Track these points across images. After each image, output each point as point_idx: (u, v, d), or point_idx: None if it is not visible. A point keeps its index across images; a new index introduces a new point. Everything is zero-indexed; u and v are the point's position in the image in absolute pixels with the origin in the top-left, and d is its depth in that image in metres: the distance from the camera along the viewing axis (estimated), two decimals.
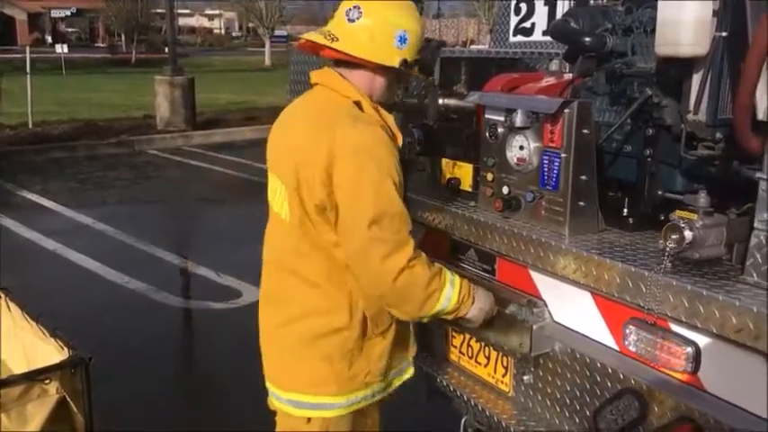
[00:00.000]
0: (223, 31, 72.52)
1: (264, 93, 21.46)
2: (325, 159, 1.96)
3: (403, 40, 2.09)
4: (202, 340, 5.36)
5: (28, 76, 13.50)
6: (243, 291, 5.98)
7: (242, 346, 4.86)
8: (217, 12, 72.33)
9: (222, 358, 4.73)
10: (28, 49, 14.31)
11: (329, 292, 2.07)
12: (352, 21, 2.07)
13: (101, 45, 48.94)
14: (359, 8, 2.07)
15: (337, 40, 2.06)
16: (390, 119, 2.17)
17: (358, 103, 2.09)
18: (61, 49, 22.77)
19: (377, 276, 1.96)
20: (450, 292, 2.06)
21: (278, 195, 2.14)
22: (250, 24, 53.97)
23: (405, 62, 2.09)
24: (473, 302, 2.14)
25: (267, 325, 2.27)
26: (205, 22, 73.19)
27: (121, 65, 32.70)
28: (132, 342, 4.97)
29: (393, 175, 1.98)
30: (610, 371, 2.10)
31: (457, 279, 2.12)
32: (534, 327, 2.27)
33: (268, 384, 2.26)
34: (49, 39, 46.61)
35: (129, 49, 37.82)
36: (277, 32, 40.91)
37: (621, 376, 2.06)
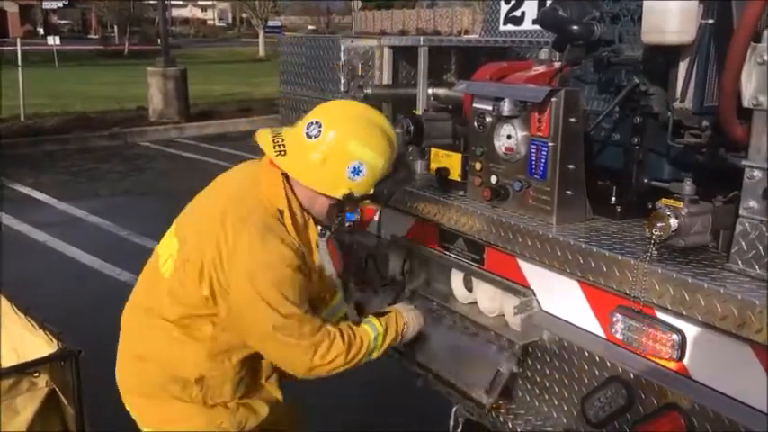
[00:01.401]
0: (216, 22, 72.21)
1: (258, 84, 21.40)
2: (222, 255, 1.96)
3: (357, 172, 2.00)
4: None
5: (20, 68, 13.42)
6: None
7: None
8: (210, 2, 72.00)
9: None
10: (19, 41, 14.20)
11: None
12: (310, 137, 1.98)
13: (93, 37, 48.67)
14: (320, 125, 1.98)
15: (284, 153, 1.98)
16: (314, 234, 2.10)
17: (281, 212, 2.01)
18: (53, 41, 22.59)
19: (299, 371, 2.10)
20: (373, 347, 2.20)
21: (167, 253, 2.13)
22: (243, 15, 53.76)
23: (350, 195, 2.01)
24: (403, 336, 2.32)
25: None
26: (198, 13, 72.87)
27: (114, 57, 32.52)
28: None
29: (288, 294, 1.96)
30: (597, 359, 2.11)
31: (380, 331, 2.23)
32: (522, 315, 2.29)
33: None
34: (41, 31, 46.30)
35: (121, 40, 37.57)
36: (271, 23, 40.70)
37: (609, 364, 2.07)
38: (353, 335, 2.14)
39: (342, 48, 3.08)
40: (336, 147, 1.98)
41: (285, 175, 2.04)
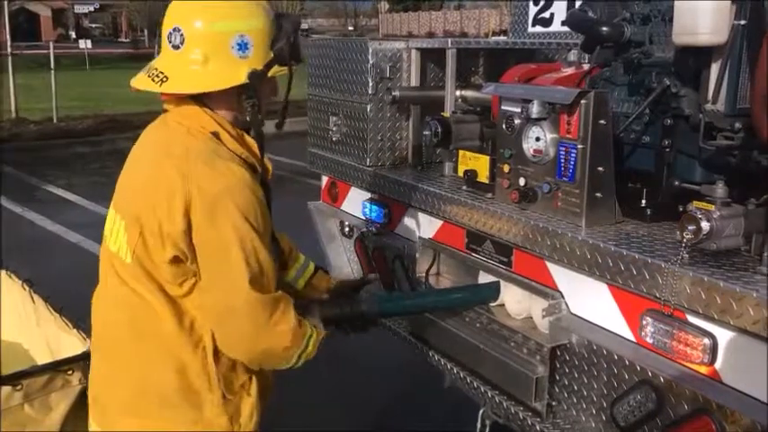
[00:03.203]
0: None
1: (284, 86, 21.52)
2: (182, 207, 1.70)
3: (243, 46, 1.77)
4: None
5: (53, 71, 13.66)
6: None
7: None
8: None
9: None
10: (52, 44, 14.47)
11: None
12: (177, 48, 1.77)
13: (124, 40, 49.36)
14: (179, 30, 1.76)
15: (166, 79, 1.76)
16: (255, 146, 1.87)
17: (216, 134, 1.80)
18: (85, 44, 22.99)
19: (257, 338, 1.76)
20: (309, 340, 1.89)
21: (119, 237, 1.84)
22: None
23: (255, 71, 1.77)
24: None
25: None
26: None
27: (144, 59, 32.36)
28: None
29: (258, 223, 1.75)
30: (627, 362, 2.09)
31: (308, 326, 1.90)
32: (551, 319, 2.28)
33: None
34: (73, 34, 47.08)
35: (151, 43, 38.01)
36: None
37: (638, 368, 2.05)
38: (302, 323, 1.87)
39: (370, 50, 3.09)
40: (207, 37, 1.76)
41: (194, 101, 1.82)
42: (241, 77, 1.77)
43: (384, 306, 2.33)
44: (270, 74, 1.83)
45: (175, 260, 1.74)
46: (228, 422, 1.83)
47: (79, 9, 50.74)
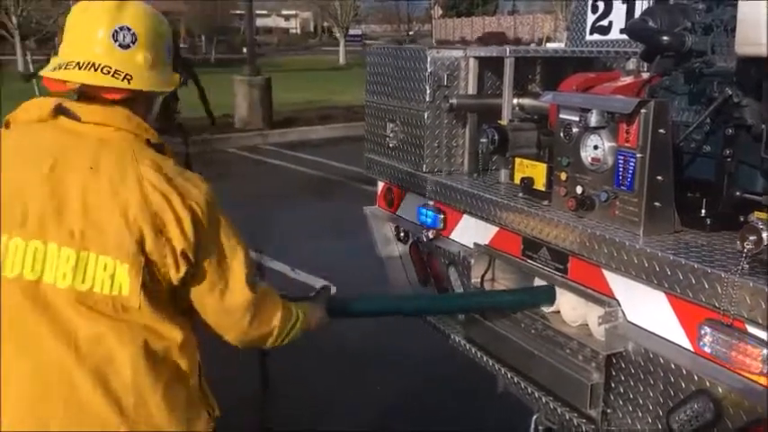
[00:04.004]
0: (299, 31, 73.71)
1: (339, 92, 21.72)
2: (187, 223, 1.66)
3: (169, 51, 1.82)
4: None
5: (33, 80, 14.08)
6: (316, 286, 6.10)
7: (318, 335, 5.04)
8: (293, 12, 73.53)
9: (293, 350, 4.85)
10: None
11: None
12: (126, 47, 1.71)
13: (182, 46, 50.44)
14: (130, 30, 1.71)
15: (131, 77, 1.69)
16: (170, 153, 1.81)
17: (160, 146, 1.76)
18: None
19: (243, 334, 1.87)
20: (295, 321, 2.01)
21: (91, 272, 1.63)
22: (325, 24, 54.70)
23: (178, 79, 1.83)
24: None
25: None
26: (281, 23, 74.52)
27: (201, 65, 33.48)
28: (204, 333, 5.17)
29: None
30: (684, 372, 2.09)
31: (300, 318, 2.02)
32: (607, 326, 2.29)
33: None
34: None
35: (208, 49, 38.89)
36: (352, 32, 41.31)
37: (696, 378, 2.05)
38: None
39: (428, 58, 3.14)
40: (155, 40, 1.76)
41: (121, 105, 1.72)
42: (176, 81, 1.82)
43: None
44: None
45: (185, 276, 1.70)
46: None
47: None
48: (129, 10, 1.74)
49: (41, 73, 1.73)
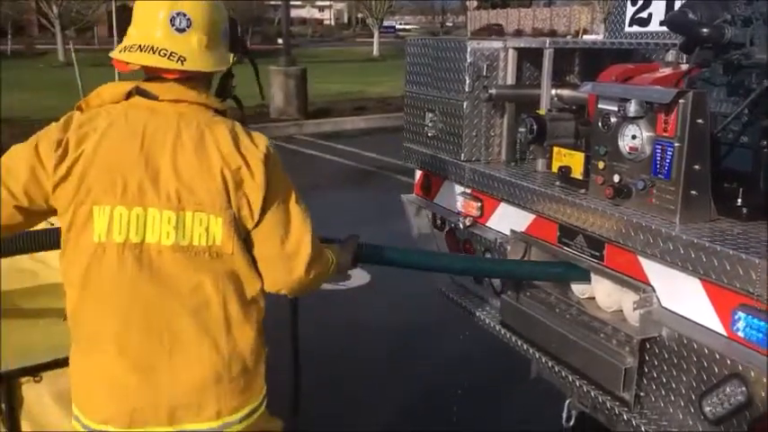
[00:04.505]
0: (333, 22, 73.88)
1: (373, 83, 21.84)
2: (259, 178, 1.86)
3: (226, 35, 1.99)
4: (310, 318, 5.63)
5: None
6: (351, 273, 6.19)
7: (351, 324, 5.13)
8: (327, 3, 73.75)
9: (329, 336, 4.90)
10: None
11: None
12: (182, 31, 1.87)
13: None
14: (185, 16, 1.87)
15: (185, 59, 1.85)
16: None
17: (223, 112, 1.96)
18: None
19: (298, 282, 2.00)
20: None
21: (189, 228, 1.83)
22: (359, 15, 54.76)
23: (234, 56, 2.01)
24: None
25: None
26: (316, 14, 74.79)
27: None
28: None
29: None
30: (717, 356, 2.14)
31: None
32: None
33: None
34: None
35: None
36: (386, 23, 41.31)
37: (729, 362, 2.10)
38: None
39: (468, 49, 3.20)
40: (210, 24, 1.92)
41: (187, 83, 1.91)
42: (230, 60, 2.00)
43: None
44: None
45: (253, 224, 1.89)
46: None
47: None
48: (186, 2, 1.89)
49: (111, 54, 1.90)
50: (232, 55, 2.00)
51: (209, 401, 1.89)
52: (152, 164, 1.82)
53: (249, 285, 1.92)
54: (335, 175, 10.47)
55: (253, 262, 1.93)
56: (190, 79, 1.90)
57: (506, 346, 3.08)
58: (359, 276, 6.09)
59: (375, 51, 37.28)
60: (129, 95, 1.88)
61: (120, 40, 1.93)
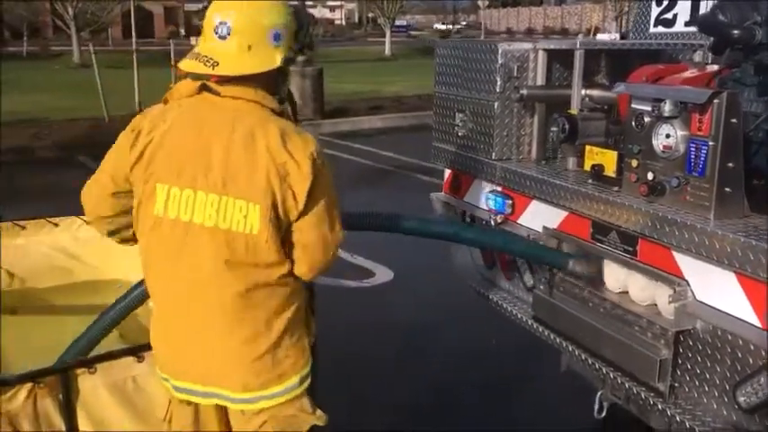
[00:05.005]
0: (344, 22, 73.99)
1: (386, 83, 21.91)
2: (306, 173, 2.04)
3: (278, 37, 2.11)
4: (336, 314, 5.70)
5: (172, 67, 14.51)
6: (375, 271, 6.30)
7: (376, 320, 5.20)
8: (338, 3, 73.85)
9: (355, 332, 4.93)
10: (172, 42, 15.39)
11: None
12: (224, 38, 2.06)
13: None
14: (226, 24, 2.06)
15: (217, 64, 2.04)
16: (291, 117, 2.25)
17: (276, 111, 2.13)
18: (196, 41, 24.08)
19: (326, 266, 2.22)
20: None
21: (231, 214, 2.05)
22: (370, 14, 54.83)
23: (286, 57, 2.13)
24: None
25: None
26: (327, 13, 74.92)
27: None
28: None
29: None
30: (752, 347, 2.22)
31: None
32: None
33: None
34: (182, 31, 49.29)
35: None
36: (397, 22, 41.32)
37: (763, 352, 2.18)
38: None
39: (499, 51, 3.29)
40: (250, 30, 2.08)
41: (244, 83, 2.10)
42: (277, 62, 2.11)
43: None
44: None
45: (296, 215, 2.09)
46: None
47: (189, 7, 53.08)
48: (227, 6, 2.11)
49: (182, 66, 2.13)
50: (282, 55, 2.12)
51: (236, 374, 2.13)
52: (206, 152, 2.05)
53: (276, 270, 2.11)
54: (353, 175, 10.53)
55: (282, 248, 2.11)
56: (248, 79, 2.09)
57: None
58: (383, 273, 6.19)
59: (387, 51, 37.30)
60: (200, 91, 2.12)
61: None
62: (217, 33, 2.07)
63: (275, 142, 2.03)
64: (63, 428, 2.55)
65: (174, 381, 2.23)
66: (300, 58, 2.52)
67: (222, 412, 2.28)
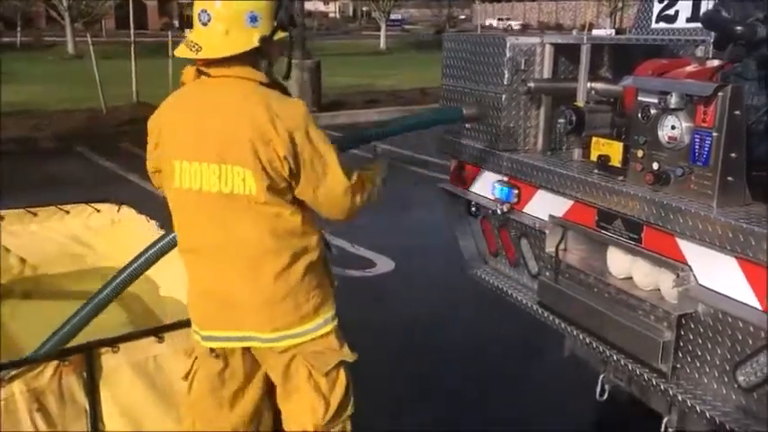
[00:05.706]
0: (338, 15, 73.84)
1: (381, 76, 21.96)
2: (287, 136, 2.23)
3: (254, 18, 2.28)
4: (337, 304, 5.79)
5: (170, 59, 14.52)
6: (377, 261, 6.39)
7: (377, 310, 5.28)
8: None
9: (354, 323, 5.03)
10: (170, 34, 15.39)
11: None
12: (206, 24, 2.27)
13: None
14: (207, 12, 2.26)
15: (200, 49, 2.26)
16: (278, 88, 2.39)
17: (264, 83, 2.32)
18: (189, 32, 24.07)
19: (348, 210, 2.44)
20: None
21: (232, 179, 2.27)
22: (365, 8, 54.77)
23: (264, 37, 2.28)
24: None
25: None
26: (321, 6, 74.76)
27: None
28: None
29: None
30: (751, 329, 2.33)
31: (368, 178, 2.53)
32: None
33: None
34: (176, 23, 49.15)
35: None
36: (392, 16, 41.28)
37: (763, 334, 2.29)
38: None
39: (507, 44, 3.38)
40: (227, 14, 2.26)
41: (235, 62, 2.29)
42: (254, 42, 2.28)
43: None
44: (275, 38, 2.33)
45: (294, 175, 2.30)
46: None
47: None
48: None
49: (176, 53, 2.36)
50: (259, 35, 2.28)
51: (263, 316, 2.39)
52: (202, 127, 2.29)
53: (285, 222, 2.33)
54: (353, 166, 10.62)
55: (292, 203, 2.34)
56: (232, 59, 2.28)
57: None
58: (384, 264, 6.29)
59: (382, 44, 37.34)
60: (199, 75, 2.35)
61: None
62: (200, 21, 2.29)
63: (259, 110, 2.23)
64: (86, 405, 2.64)
65: (211, 331, 2.46)
66: (283, 35, 2.65)
67: (249, 359, 2.51)
